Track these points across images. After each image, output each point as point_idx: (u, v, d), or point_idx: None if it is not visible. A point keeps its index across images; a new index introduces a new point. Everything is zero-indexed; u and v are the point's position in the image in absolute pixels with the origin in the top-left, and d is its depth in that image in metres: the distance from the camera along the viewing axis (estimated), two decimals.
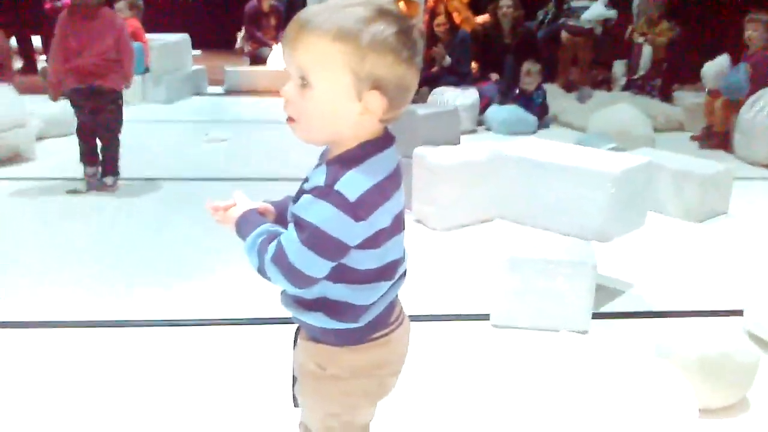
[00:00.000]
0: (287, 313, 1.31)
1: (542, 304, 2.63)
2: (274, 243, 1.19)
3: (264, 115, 6.60)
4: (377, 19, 1.13)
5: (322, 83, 1.14)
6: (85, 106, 4.11)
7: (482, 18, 7.64)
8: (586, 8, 7.57)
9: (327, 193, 1.13)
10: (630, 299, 2.96)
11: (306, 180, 1.22)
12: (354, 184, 1.14)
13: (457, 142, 3.99)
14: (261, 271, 1.22)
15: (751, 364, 2.14)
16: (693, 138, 6.00)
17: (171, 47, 7.49)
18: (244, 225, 1.29)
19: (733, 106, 5.47)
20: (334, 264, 1.19)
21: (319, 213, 1.13)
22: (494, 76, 6.84)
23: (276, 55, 8.85)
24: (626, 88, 7.63)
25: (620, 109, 5.72)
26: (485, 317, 2.70)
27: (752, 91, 5.35)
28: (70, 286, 2.95)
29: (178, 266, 3.18)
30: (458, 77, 6.69)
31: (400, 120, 3.69)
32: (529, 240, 2.81)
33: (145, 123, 5.92)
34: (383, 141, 1.22)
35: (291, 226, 1.18)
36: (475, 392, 2.24)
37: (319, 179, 1.15)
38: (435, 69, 6.76)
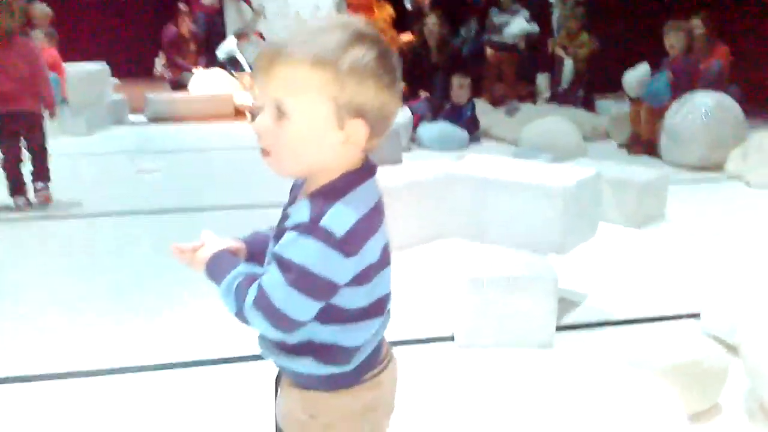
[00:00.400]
0: (266, 356, 1.21)
1: (506, 321, 2.59)
2: (254, 286, 1.10)
3: (193, 142, 6.43)
4: (356, 44, 1.07)
5: (300, 113, 1.07)
6: (5, 131, 4.22)
7: (406, 37, 7.71)
8: (508, 24, 7.71)
9: (312, 229, 1.05)
10: (587, 310, 2.96)
11: (285, 216, 1.14)
12: (340, 217, 1.06)
13: (399, 161, 3.95)
14: (240, 316, 1.12)
15: (721, 369, 2.15)
16: (620, 145, 6.17)
17: (89, 76, 7.21)
18: (216, 267, 1.19)
19: (658, 112, 5.65)
20: (322, 305, 1.10)
21: (305, 251, 1.05)
22: (423, 94, 6.88)
23: (198, 80, 8.67)
24: (550, 100, 7.82)
25: (550, 121, 5.84)
26: (450, 338, 2.65)
27: (674, 97, 5.55)
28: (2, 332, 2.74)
29: (121, 308, 3.00)
30: None
31: None
32: (485, 257, 2.78)
33: (68, 156, 5.64)
34: (365, 171, 1.15)
35: (273, 266, 1.08)
36: (455, 416, 2.18)
37: (302, 215, 1.07)
38: None
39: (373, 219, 1.12)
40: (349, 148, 1.10)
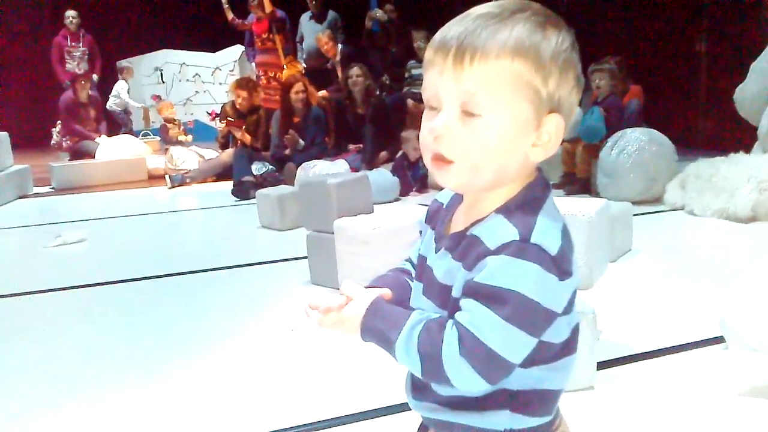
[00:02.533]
0: (431, 416, 0.99)
1: None
2: (449, 332, 0.89)
3: (111, 210, 5.96)
4: (551, 27, 0.91)
5: (497, 110, 0.90)
6: None
7: (322, 93, 7.65)
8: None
9: (524, 249, 0.87)
10: (606, 346, 2.83)
11: (464, 240, 0.93)
12: (550, 232, 0.90)
13: (371, 210, 3.75)
14: (434, 373, 0.91)
15: None
16: (554, 186, 6.24)
17: None
18: (379, 322, 0.96)
19: (593, 150, 5.77)
20: (537, 342, 0.91)
21: (523, 277, 0.86)
22: (353, 146, 6.76)
23: (105, 146, 8.17)
24: None
25: None
26: None
27: (607, 135, 5.68)
28: None
29: (49, 399, 2.58)
30: (318, 151, 6.56)
31: (311, 192, 3.36)
32: None
33: None
34: (546, 182, 0.98)
35: (472, 301, 0.88)
36: None
37: (506, 233, 0.88)
38: (288, 152, 6.64)
39: (569, 235, 0.94)
40: (538, 152, 0.94)
